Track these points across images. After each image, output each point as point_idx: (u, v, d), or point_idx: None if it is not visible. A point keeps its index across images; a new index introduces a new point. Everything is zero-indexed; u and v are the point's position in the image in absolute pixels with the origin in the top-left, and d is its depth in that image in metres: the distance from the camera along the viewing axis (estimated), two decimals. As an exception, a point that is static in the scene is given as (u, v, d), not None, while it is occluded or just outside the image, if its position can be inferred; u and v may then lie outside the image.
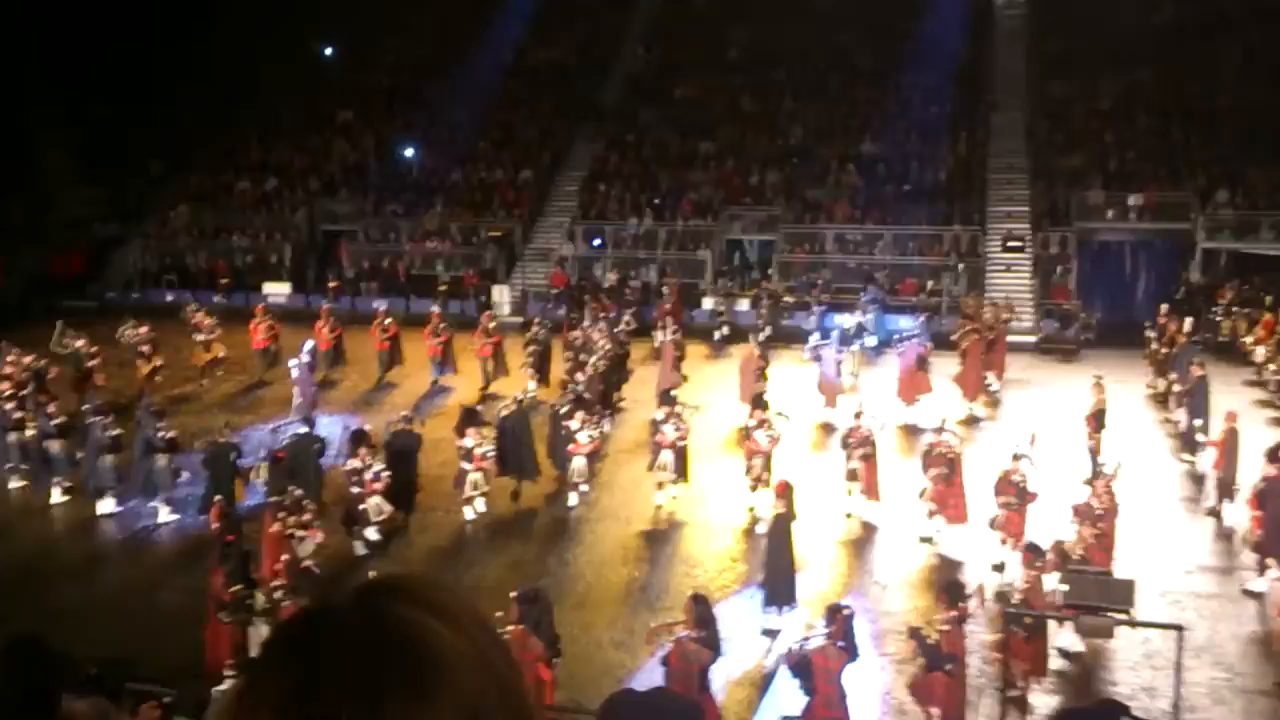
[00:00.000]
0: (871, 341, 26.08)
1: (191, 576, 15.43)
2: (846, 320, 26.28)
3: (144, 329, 23.58)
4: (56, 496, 18.15)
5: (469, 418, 17.52)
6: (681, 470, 17.67)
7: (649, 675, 12.11)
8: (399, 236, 34.70)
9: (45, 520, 17.95)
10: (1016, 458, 15.25)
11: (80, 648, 8.12)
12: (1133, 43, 33.86)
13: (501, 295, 31.69)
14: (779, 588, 14.08)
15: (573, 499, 17.74)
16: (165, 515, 17.37)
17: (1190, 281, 29.04)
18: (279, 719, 1.01)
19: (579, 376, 20.42)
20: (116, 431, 17.69)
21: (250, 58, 37.32)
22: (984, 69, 36.02)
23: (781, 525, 14.29)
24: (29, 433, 18.48)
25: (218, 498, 15.87)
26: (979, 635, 12.80)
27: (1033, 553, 12.59)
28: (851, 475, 16.94)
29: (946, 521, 15.94)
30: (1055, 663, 12.65)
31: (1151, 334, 23.75)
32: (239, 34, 36.74)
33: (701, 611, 11.36)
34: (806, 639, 11.28)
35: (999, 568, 14.62)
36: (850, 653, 10.99)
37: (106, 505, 17.61)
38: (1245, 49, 32.87)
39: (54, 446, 18.18)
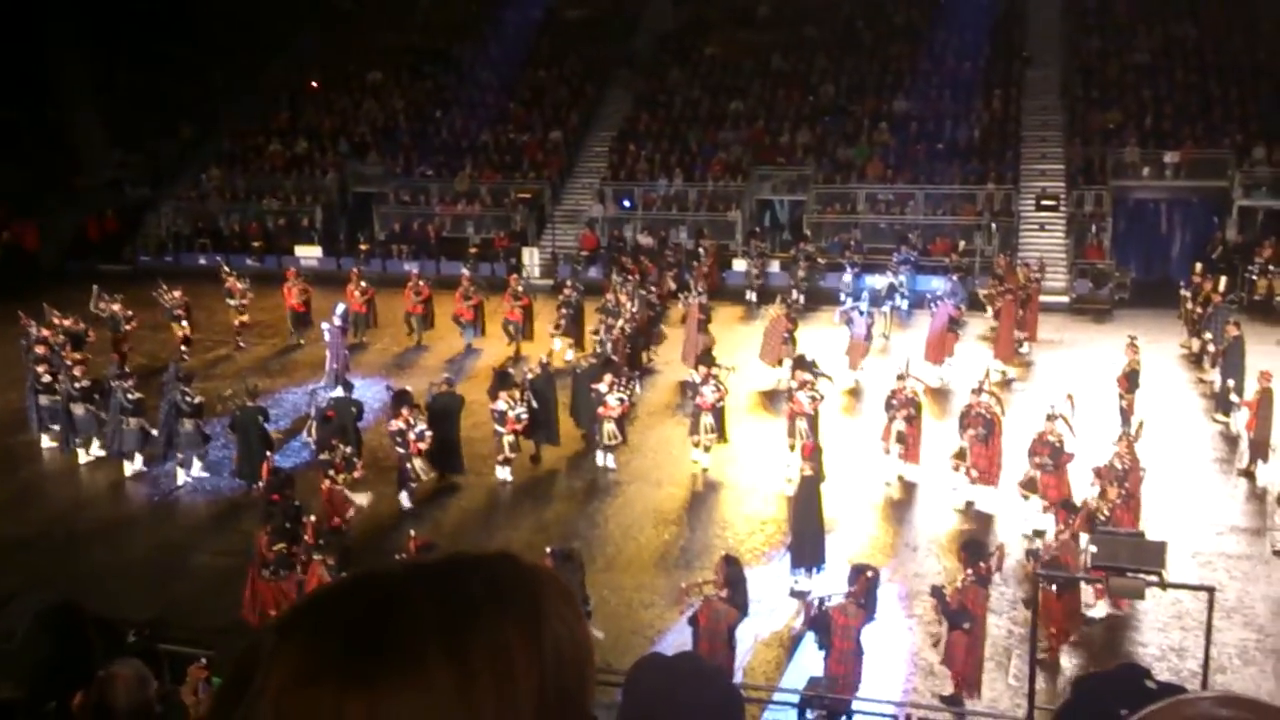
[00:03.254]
0: (903, 303, 25.94)
1: (222, 538, 15.75)
2: (878, 281, 26.13)
3: (177, 293, 23.82)
4: (83, 458, 18.41)
5: (501, 380, 17.64)
6: (720, 431, 17.75)
7: (677, 635, 12.26)
8: (429, 199, 34.77)
9: (74, 482, 18.19)
10: (1051, 418, 15.18)
11: (113, 609, 8.28)
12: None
13: (531, 258, 31.72)
14: (807, 549, 14.15)
15: (600, 460, 17.85)
16: (184, 477, 17.54)
17: (1226, 240, 28.64)
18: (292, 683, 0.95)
19: (606, 339, 20.49)
20: (138, 395, 17.85)
21: (280, 18, 37.34)
22: (1019, 23, 35.45)
23: (809, 487, 14.33)
24: (58, 396, 18.71)
25: (269, 455, 16.13)
26: (1007, 594, 12.85)
27: (1066, 511, 12.58)
28: (894, 436, 16.82)
29: (980, 482, 15.89)
30: (1084, 625, 12.67)
31: (1186, 293, 23.49)
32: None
33: (732, 572, 11.47)
34: (828, 596, 11.39)
35: (1039, 533, 14.52)
36: (869, 611, 11.09)
37: (132, 468, 17.85)
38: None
39: (78, 409, 18.38)
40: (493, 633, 0.98)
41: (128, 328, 22.66)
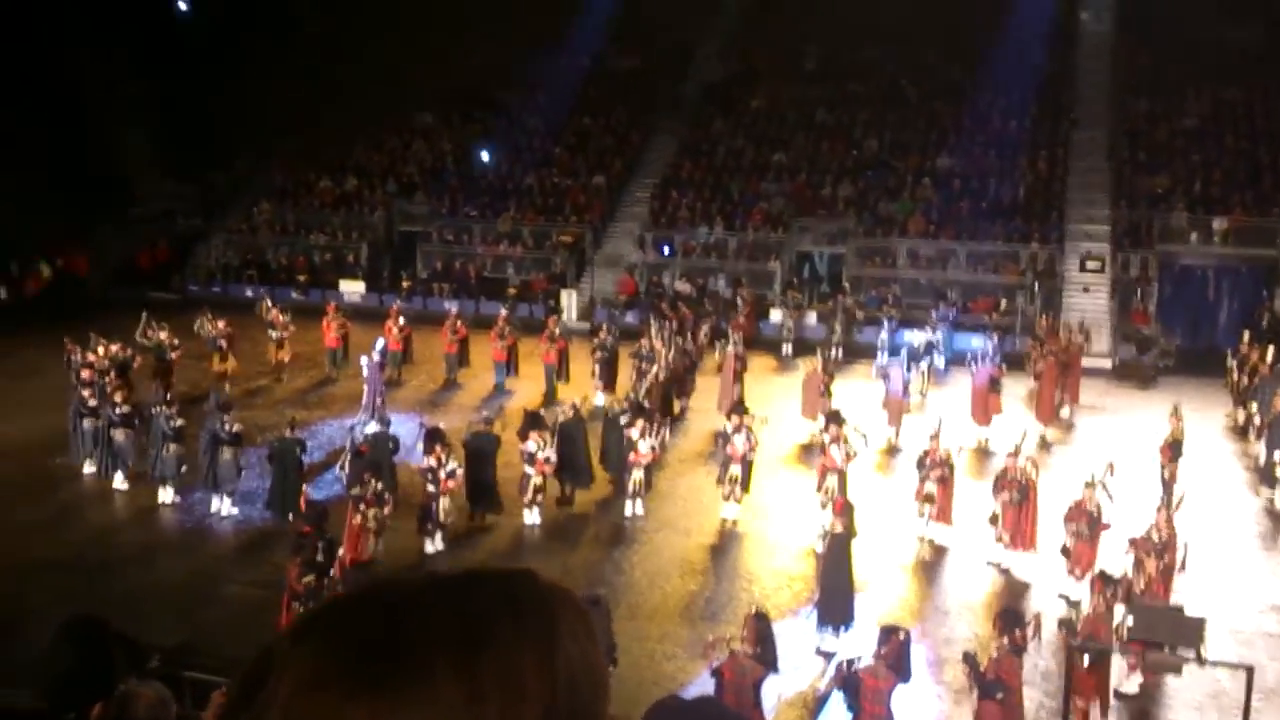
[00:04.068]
0: (940, 360, 25.73)
1: (254, 569, 15.78)
2: (916, 337, 25.95)
3: (221, 323, 24.12)
4: (119, 483, 18.57)
5: (532, 422, 17.63)
6: (745, 483, 17.60)
7: (701, 687, 12.07)
8: (472, 239, 35.10)
9: (111, 507, 18.36)
10: (1090, 485, 14.92)
11: (142, 634, 8.28)
12: (1221, 61, 33.05)
13: (570, 300, 31.85)
14: (835, 607, 13.94)
15: (629, 508, 17.74)
16: (224, 508, 17.62)
17: (1274, 310, 28.22)
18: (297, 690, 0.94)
19: (640, 385, 20.48)
20: (179, 422, 18.03)
21: (334, 58, 38.06)
22: (1066, 85, 35.39)
23: (840, 544, 14.15)
24: (100, 421, 18.91)
25: (305, 488, 16.17)
26: (1040, 665, 12.56)
27: (1104, 582, 12.32)
28: (926, 497, 16.58)
29: (1015, 547, 15.63)
30: (1116, 699, 12.34)
31: (1232, 363, 23.14)
32: (324, 35, 37.49)
33: (761, 628, 11.32)
34: (858, 657, 11.19)
35: (1074, 603, 14.22)
36: (902, 674, 10.86)
37: (168, 495, 17.98)
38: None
39: (119, 435, 18.58)
40: (505, 651, 0.96)
41: (173, 356, 22.97)
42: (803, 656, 13.37)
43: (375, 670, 0.93)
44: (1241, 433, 21.38)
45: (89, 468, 19.11)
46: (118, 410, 18.73)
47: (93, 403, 19.11)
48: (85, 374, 19.78)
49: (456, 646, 0.95)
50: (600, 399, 22.22)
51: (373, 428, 18.86)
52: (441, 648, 0.94)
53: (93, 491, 18.83)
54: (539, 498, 17.29)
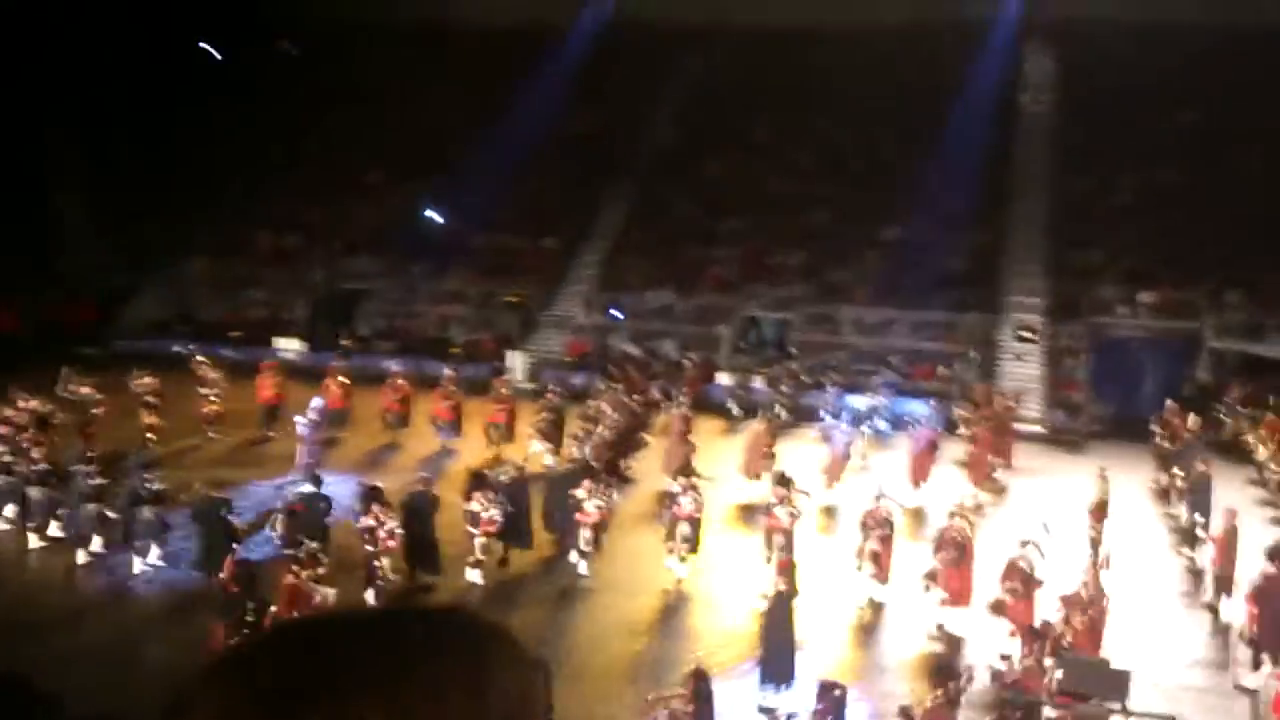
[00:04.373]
0: (883, 424, 26.27)
1: (178, 628, 15.34)
2: (860, 402, 26.51)
3: (149, 379, 23.60)
4: (35, 542, 18.01)
5: (477, 482, 17.71)
6: (694, 542, 17.80)
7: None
8: (417, 297, 35.15)
9: (27, 567, 17.81)
10: (1024, 544, 15.39)
11: (67, 700, 8.18)
12: (1155, 141, 34.46)
13: (516, 361, 32.00)
14: (777, 665, 14.15)
15: (577, 567, 17.79)
16: (140, 566, 17.11)
17: (1196, 379, 29.28)
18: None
19: (586, 446, 20.65)
20: (99, 481, 17.64)
21: (279, 115, 38.19)
22: (1007, 162, 36.58)
23: (782, 602, 14.42)
24: (15, 478, 18.42)
25: (235, 547, 15.94)
26: (973, 719, 12.86)
27: (1034, 636, 12.70)
28: (869, 556, 16.85)
29: (952, 604, 15.99)
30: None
31: (1157, 429, 23.93)
32: (274, 92, 37.67)
33: (700, 687, 11.50)
34: (795, 714, 11.41)
35: (1007, 658, 14.57)
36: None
37: (83, 556, 17.42)
38: (1267, 156, 33.28)
39: (34, 492, 18.06)
40: (433, 686, 0.93)
41: (96, 412, 22.24)
42: (744, 715, 13.53)
43: (294, 706, 0.89)
44: (1165, 496, 22.07)
45: (2, 525, 18.47)
46: (34, 467, 18.27)
47: (8, 459, 18.63)
48: (2, 429, 19.31)
49: (380, 683, 0.91)
50: (548, 459, 22.32)
51: (306, 487, 18.46)
52: (364, 683, 0.90)
53: (8, 552, 18.20)
54: (484, 557, 17.31)
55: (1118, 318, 31.36)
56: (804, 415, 26.76)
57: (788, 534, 17.09)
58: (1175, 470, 21.41)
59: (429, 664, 0.95)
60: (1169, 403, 25.05)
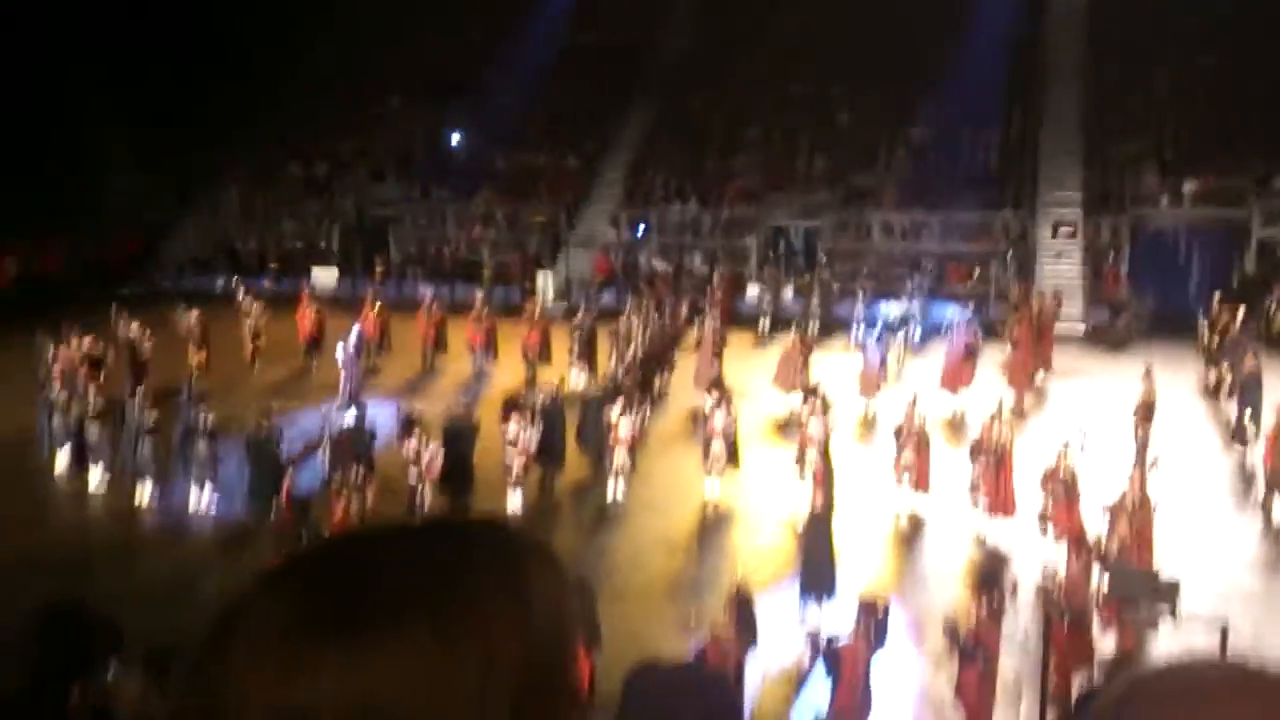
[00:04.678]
0: (916, 331, 25.85)
1: (234, 562, 15.64)
2: (892, 309, 26.05)
3: (194, 314, 23.94)
4: (95, 480, 18.36)
5: (512, 405, 17.63)
6: (733, 456, 17.67)
7: (685, 665, 12.14)
8: (445, 222, 34.92)
9: (86, 504, 18.13)
10: (1064, 449, 15.06)
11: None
12: (1192, 27, 33.14)
13: (546, 281, 31.78)
14: (817, 580, 14.04)
15: (611, 489, 17.78)
16: (203, 501, 17.47)
17: (1244, 271, 28.47)
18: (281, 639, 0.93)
19: (619, 364, 20.48)
20: (155, 416, 17.86)
21: (294, 45, 37.71)
22: (1038, 52, 35.41)
23: (820, 516, 14.25)
24: (72, 416, 18.70)
25: (288, 478, 16.12)
26: (1018, 628, 12.70)
27: (1079, 545, 12.46)
28: (902, 466, 16.77)
29: (993, 513, 15.79)
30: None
31: (1203, 324, 23.34)
32: (283, 21, 37.13)
33: (743, 608, 11.39)
34: (836, 636, 11.30)
35: (1048, 565, 14.42)
36: (879, 642, 11.00)
37: (145, 491, 17.78)
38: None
39: (92, 430, 18.35)
40: (475, 596, 0.96)
41: (146, 349, 22.72)
42: (787, 630, 13.47)
43: (345, 617, 0.92)
44: (1213, 393, 21.60)
45: (61, 464, 18.89)
46: (91, 405, 18.54)
47: (63, 398, 18.89)
48: (57, 369, 19.58)
49: (426, 593, 0.94)
50: (580, 380, 22.23)
51: (350, 415, 18.72)
52: (411, 595, 0.94)
53: (67, 489, 18.61)
54: (520, 481, 17.30)
55: (1159, 209, 30.46)
56: (836, 325, 26.36)
57: (822, 446, 16.85)
58: (1223, 366, 20.91)
59: (469, 575, 0.97)
60: (1215, 296, 24.37)
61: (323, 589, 0.96)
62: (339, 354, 22.12)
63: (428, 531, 1.04)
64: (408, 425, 16.82)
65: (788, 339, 22.36)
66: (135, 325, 22.95)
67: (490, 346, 24.54)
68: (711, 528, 16.81)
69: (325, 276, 33.03)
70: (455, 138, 37.06)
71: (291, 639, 0.92)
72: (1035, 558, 14.71)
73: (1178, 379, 21.89)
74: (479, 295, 26.08)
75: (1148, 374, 18.60)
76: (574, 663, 1.02)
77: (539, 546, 1.04)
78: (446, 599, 0.95)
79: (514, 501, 17.27)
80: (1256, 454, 17.70)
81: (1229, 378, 20.35)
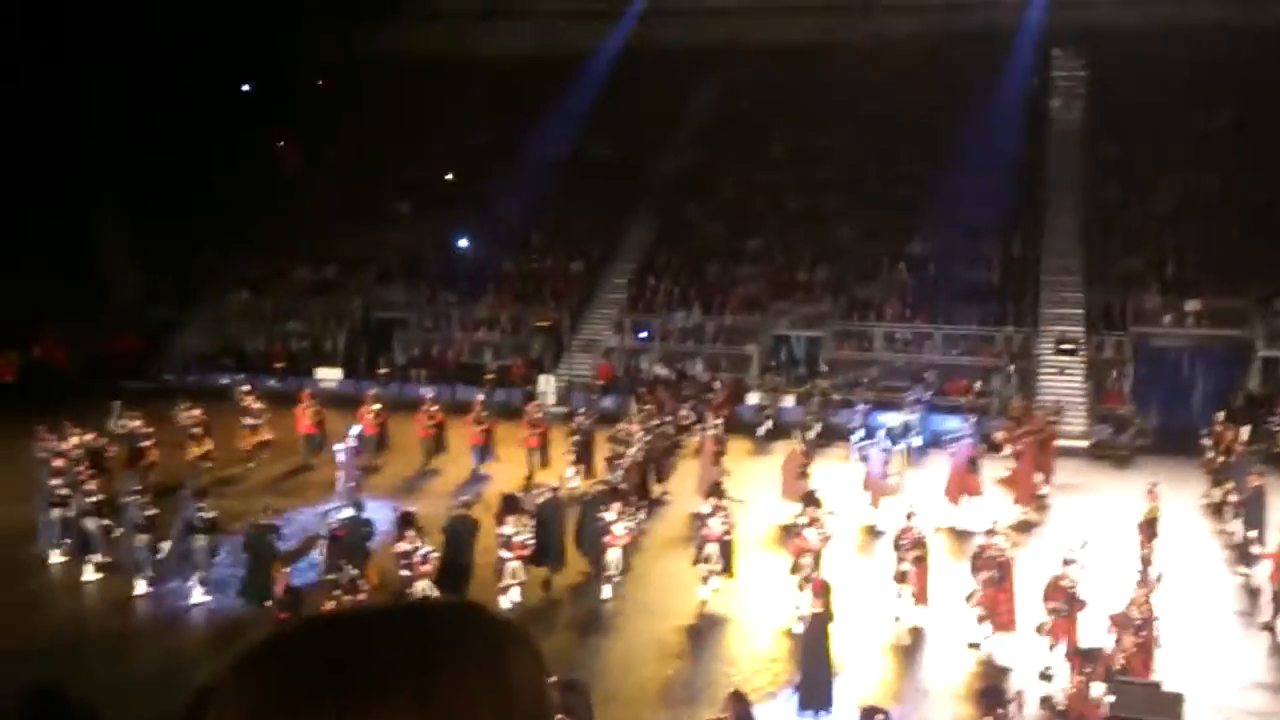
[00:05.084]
0: (917, 441, 25.75)
1: (226, 655, 15.30)
2: (892, 419, 25.99)
3: (196, 411, 24.04)
4: (89, 574, 18.20)
5: (510, 505, 17.48)
6: (727, 564, 17.44)
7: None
8: (450, 324, 35.18)
9: (82, 597, 17.95)
10: (1067, 563, 14.83)
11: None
12: (1192, 146, 33.75)
13: (547, 385, 31.85)
14: (815, 690, 13.72)
15: (606, 591, 17.50)
16: (199, 596, 17.34)
17: (1248, 389, 28.44)
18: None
19: (616, 468, 20.38)
20: (152, 511, 17.78)
21: (311, 150, 38.54)
22: (1038, 170, 36.00)
23: (818, 625, 13.97)
24: (71, 510, 18.61)
25: (285, 571, 15.95)
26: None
27: (1081, 659, 12.17)
28: (902, 577, 16.46)
29: (994, 628, 15.48)
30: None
31: (1208, 442, 23.21)
32: (301, 127, 38.03)
33: (740, 710, 11.10)
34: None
35: (1047, 676, 14.12)
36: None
37: (141, 584, 17.63)
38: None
39: (89, 524, 18.27)
40: (459, 674, 0.95)
41: (146, 445, 22.80)
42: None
43: (330, 695, 0.90)
44: (1217, 511, 21.35)
45: (56, 557, 18.73)
46: (90, 499, 18.43)
47: (63, 491, 18.81)
48: (57, 462, 19.54)
49: (411, 669, 0.93)
50: (576, 482, 22.09)
51: (347, 513, 18.64)
52: (397, 672, 0.92)
53: (62, 582, 18.42)
54: (516, 582, 17.06)
55: (1162, 327, 30.57)
56: (836, 434, 26.28)
57: (817, 555, 16.64)
58: (1227, 484, 20.72)
59: (452, 654, 0.96)
60: (1219, 414, 24.30)
61: (303, 669, 0.94)
62: (338, 452, 22.07)
63: (406, 612, 1.03)
64: (404, 523, 16.67)
65: (790, 448, 22.27)
66: (135, 420, 22.98)
67: (489, 447, 24.49)
68: (707, 633, 16.48)
69: (329, 376, 33.15)
70: (463, 243, 37.55)
71: (261, 717, 0.91)
72: (1038, 671, 14.40)
73: (1181, 496, 21.67)
74: (479, 397, 26.09)
75: (1152, 490, 18.46)
76: None
77: (516, 629, 1.05)
78: (431, 675, 0.94)
79: (505, 603, 16.98)
80: (1262, 572, 17.42)
81: (1233, 496, 20.14)
